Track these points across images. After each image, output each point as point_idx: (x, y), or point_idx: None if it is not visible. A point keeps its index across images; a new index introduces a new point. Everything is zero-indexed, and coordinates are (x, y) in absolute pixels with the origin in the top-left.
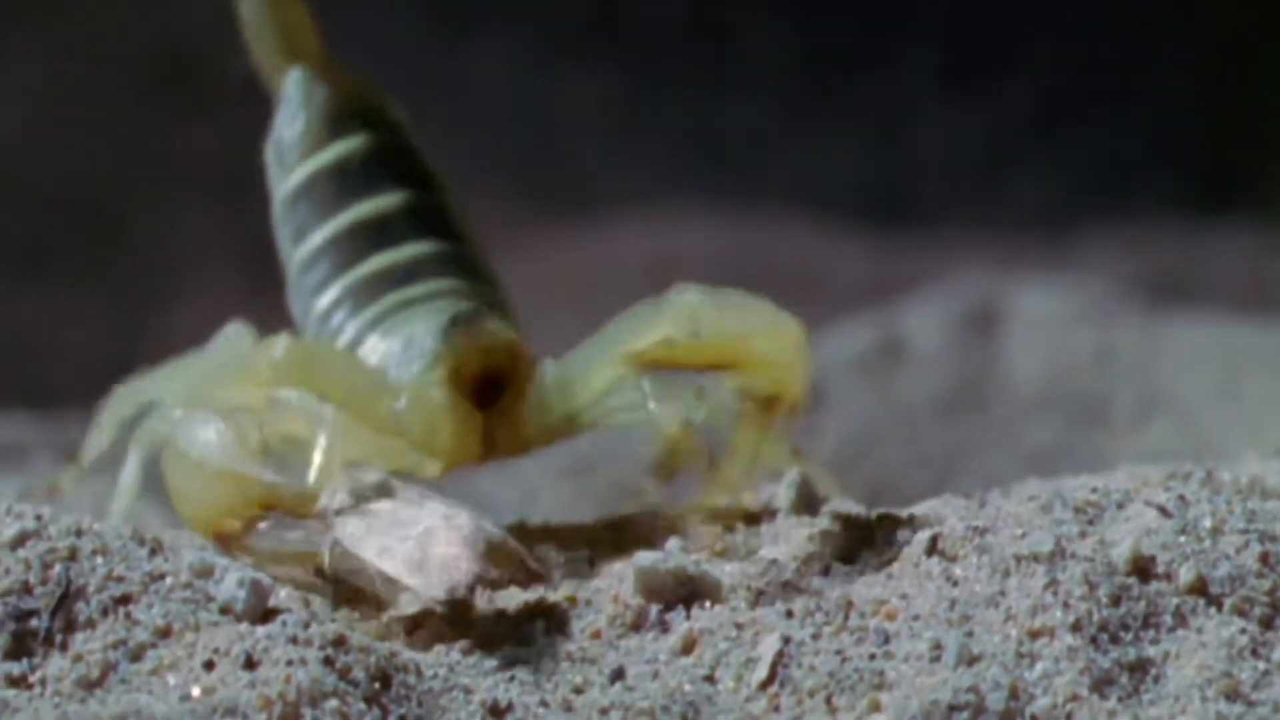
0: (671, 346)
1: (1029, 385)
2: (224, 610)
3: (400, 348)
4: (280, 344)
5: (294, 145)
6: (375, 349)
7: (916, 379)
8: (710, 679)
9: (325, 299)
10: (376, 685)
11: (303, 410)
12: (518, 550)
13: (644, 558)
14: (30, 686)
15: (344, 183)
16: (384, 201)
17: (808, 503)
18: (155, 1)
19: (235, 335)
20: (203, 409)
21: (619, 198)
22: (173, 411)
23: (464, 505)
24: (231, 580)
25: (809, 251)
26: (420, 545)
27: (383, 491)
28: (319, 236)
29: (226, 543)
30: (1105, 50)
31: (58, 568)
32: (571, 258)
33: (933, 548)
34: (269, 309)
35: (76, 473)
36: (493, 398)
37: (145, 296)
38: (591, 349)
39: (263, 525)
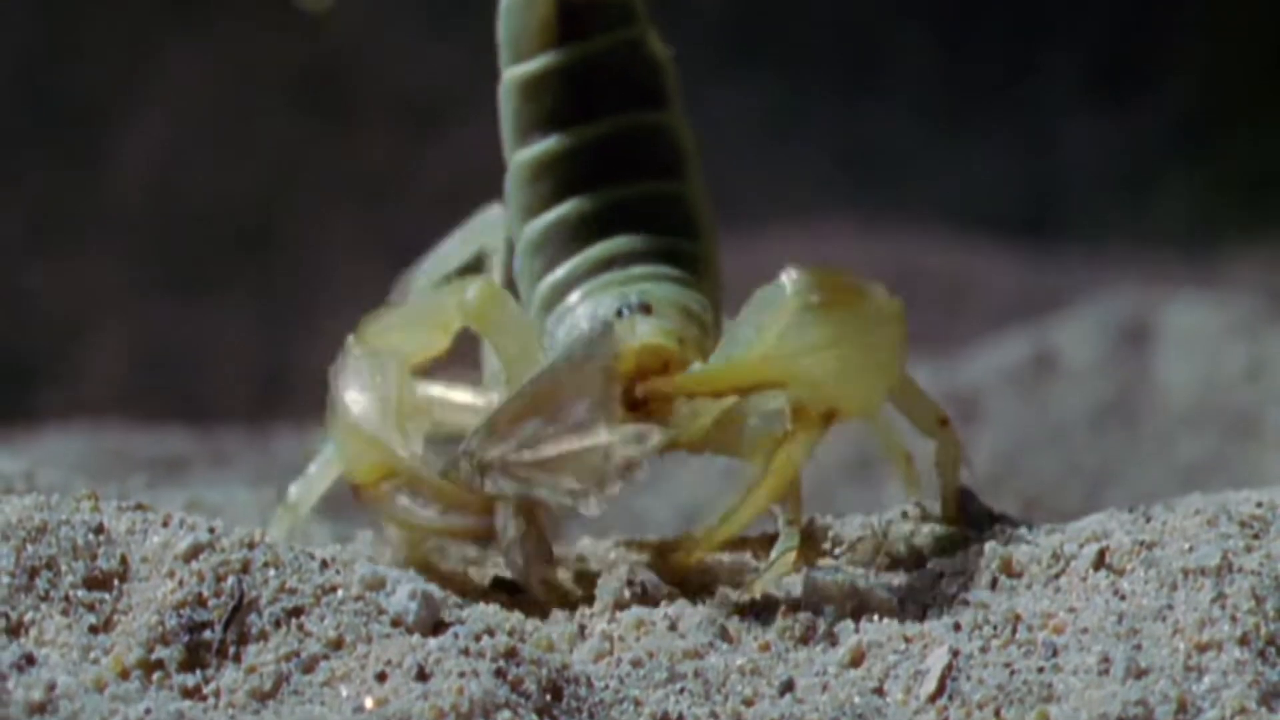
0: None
1: (1181, 399)
2: (395, 622)
3: (585, 321)
4: (475, 286)
5: (519, 30)
6: (570, 309)
7: (1069, 392)
8: (879, 691)
9: (542, 221)
10: (548, 697)
11: (465, 407)
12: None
13: (814, 571)
14: (204, 698)
15: (568, 94)
16: (602, 128)
17: (971, 517)
18: (305, 16)
19: (489, 221)
20: (370, 353)
21: (767, 210)
22: (350, 343)
23: None
24: (403, 592)
25: (958, 263)
26: None
27: None
28: (538, 149)
29: (357, 495)
30: (1251, 63)
31: (230, 580)
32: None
33: (1100, 561)
34: None
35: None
36: (644, 398)
37: (298, 310)
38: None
39: (401, 499)
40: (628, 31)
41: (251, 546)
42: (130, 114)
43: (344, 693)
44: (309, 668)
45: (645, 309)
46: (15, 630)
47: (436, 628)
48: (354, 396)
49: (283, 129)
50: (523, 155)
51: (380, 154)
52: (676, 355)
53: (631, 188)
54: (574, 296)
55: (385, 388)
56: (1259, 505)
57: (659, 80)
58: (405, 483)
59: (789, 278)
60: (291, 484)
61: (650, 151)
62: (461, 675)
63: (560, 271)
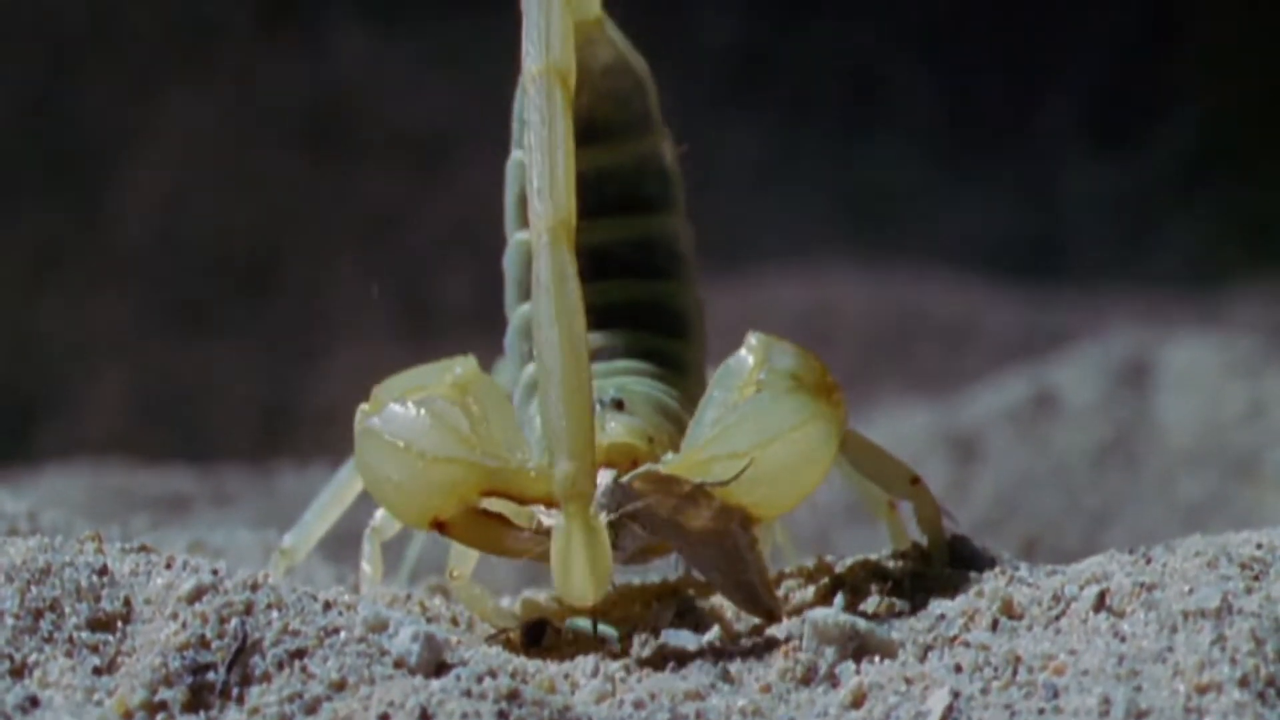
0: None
1: (1180, 439)
2: (398, 664)
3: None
4: (461, 364)
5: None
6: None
7: (1069, 432)
8: None
9: (526, 307)
10: None
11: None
12: None
13: (815, 612)
14: None
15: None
16: (603, 231)
17: (968, 562)
18: (307, 57)
19: None
20: (401, 400)
21: (770, 250)
22: (362, 408)
23: None
24: (406, 634)
25: (959, 304)
26: None
27: None
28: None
29: (444, 531)
30: (1249, 105)
31: (234, 621)
32: (724, 309)
33: (1100, 603)
34: (421, 359)
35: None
36: None
37: (300, 348)
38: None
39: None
40: (643, 142)
41: (255, 588)
42: (133, 155)
43: None
44: (312, 709)
45: (618, 405)
46: (19, 672)
47: (439, 669)
48: (414, 430)
49: (284, 169)
50: (522, 236)
51: (382, 194)
52: (644, 453)
53: (625, 287)
54: None
55: (441, 417)
56: (1259, 547)
57: (666, 189)
58: (509, 490)
59: (749, 348)
60: (287, 533)
61: (648, 255)
62: (464, 717)
63: None
